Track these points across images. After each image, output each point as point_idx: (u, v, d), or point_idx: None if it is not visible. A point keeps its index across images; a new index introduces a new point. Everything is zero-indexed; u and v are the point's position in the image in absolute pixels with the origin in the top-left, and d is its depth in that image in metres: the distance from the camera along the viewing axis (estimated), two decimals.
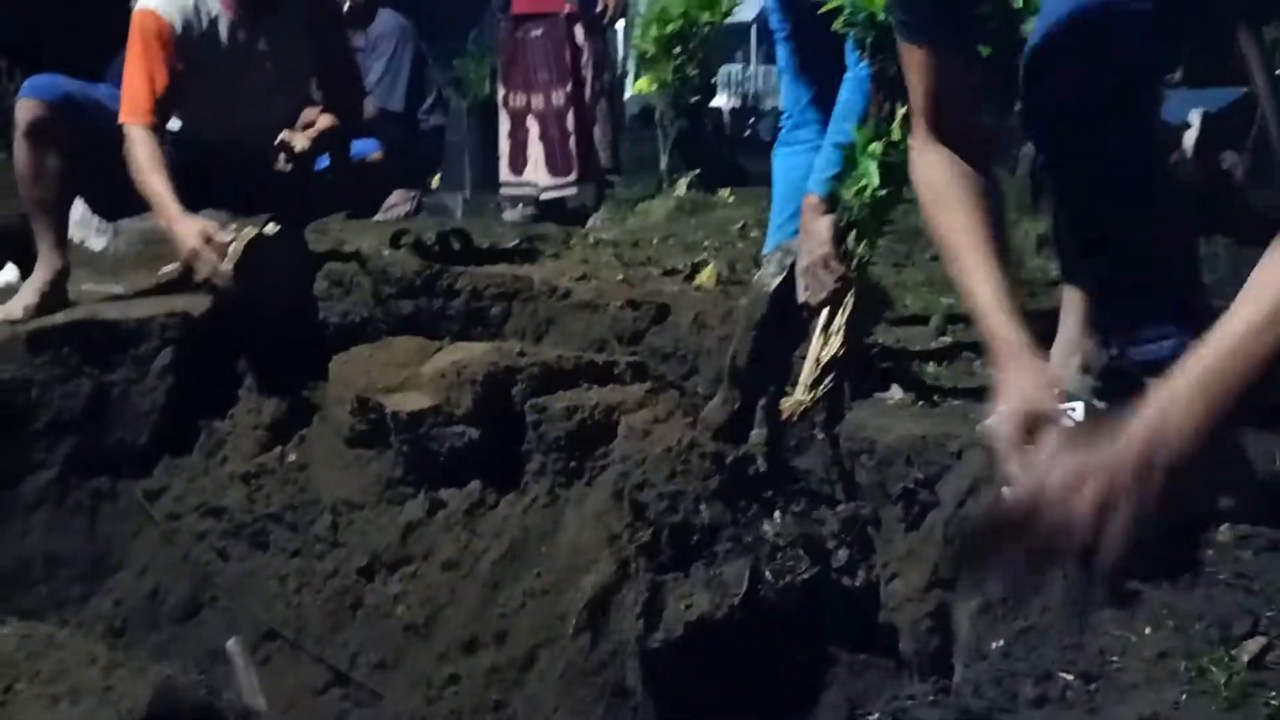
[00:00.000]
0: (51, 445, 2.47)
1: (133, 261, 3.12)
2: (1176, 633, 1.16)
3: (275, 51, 2.71)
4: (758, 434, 1.87)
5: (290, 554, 2.33)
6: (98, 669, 1.10)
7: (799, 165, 2.40)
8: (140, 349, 2.56)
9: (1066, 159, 1.49)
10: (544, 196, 4.24)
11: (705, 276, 3.03)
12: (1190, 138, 3.88)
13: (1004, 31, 1.75)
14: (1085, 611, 1.16)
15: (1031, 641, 1.14)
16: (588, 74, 4.21)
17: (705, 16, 3.83)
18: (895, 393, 1.88)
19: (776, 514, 1.79)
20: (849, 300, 2.01)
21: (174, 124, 2.71)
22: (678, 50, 3.86)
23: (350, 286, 2.77)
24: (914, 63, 1.39)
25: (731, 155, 4.39)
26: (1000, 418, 1.21)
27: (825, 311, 2.02)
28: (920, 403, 1.83)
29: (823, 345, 2.02)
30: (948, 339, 2.37)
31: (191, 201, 2.68)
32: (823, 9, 1.93)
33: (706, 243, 3.45)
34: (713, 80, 4.15)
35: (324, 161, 2.83)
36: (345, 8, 4.26)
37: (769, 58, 4.25)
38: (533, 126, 4.26)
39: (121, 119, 2.54)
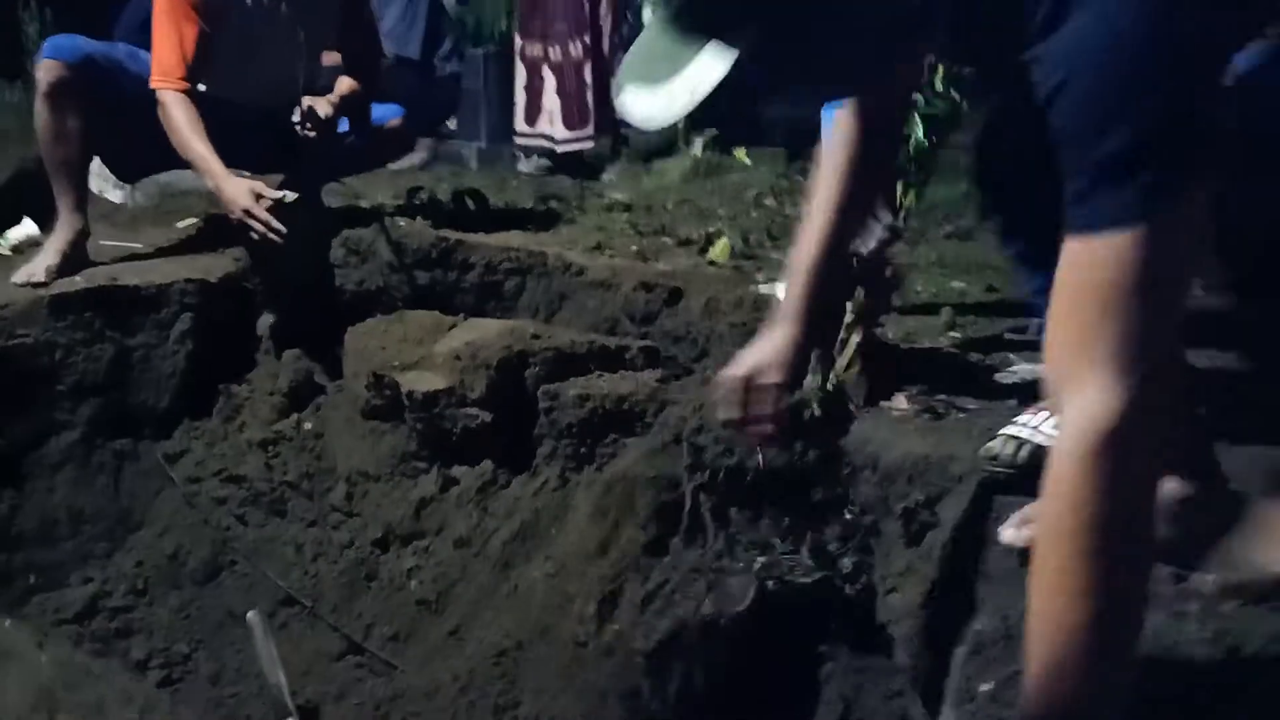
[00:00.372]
0: (75, 407, 2.53)
1: (151, 216, 3.15)
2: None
3: (299, 13, 2.70)
4: (812, 379, 1.91)
5: (307, 523, 2.41)
6: (134, 708, 1.16)
7: None
8: (161, 314, 2.61)
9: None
10: (560, 150, 4.23)
11: (718, 251, 3.04)
12: None
13: None
14: None
15: (1020, 686, 1.20)
16: (605, 25, 4.16)
17: None
18: (900, 403, 1.92)
19: (786, 519, 1.86)
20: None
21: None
22: None
23: (367, 255, 2.80)
24: None
25: (752, 108, 4.35)
26: (729, 370, 1.43)
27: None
28: (925, 415, 1.87)
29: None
30: (957, 334, 2.40)
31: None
32: None
33: (721, 211, 3.45)
34: None
35: (345, 124, 2.84)
36: None
37: None
38: (549, 78, 4.22)
39: (154, 84, 2.55)
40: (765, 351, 1.48)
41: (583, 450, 2.24)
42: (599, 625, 1.96)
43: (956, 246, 3.16)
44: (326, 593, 2.30)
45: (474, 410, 2.29)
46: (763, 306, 2.48)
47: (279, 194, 2.45)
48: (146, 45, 4.10)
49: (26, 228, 3.02)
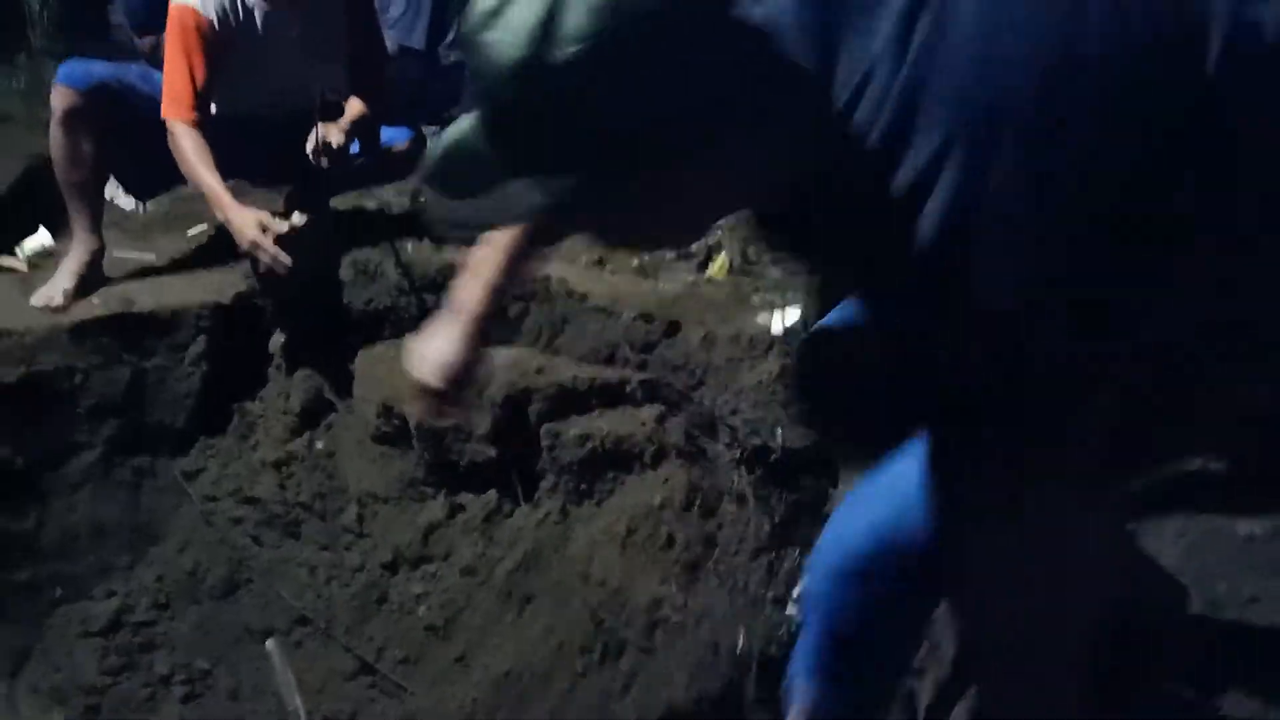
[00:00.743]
0: (95, 427, 2.63)
1: (162, 222, 3.21)
2: None
3: (308, 36, 2.74)
4: None
5: (320, 546, 2.52)
6: None
7: None
8: (176, 337, 2.70)
9: None
10: None
11: (716, 269, 3.12)
12: None
13: None
14: None
15: None
16: None
17: None
18: None
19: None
20: None
21: None
22: None
23: (375, 275, 2.87)
24: None
25: None
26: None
27: None
28: None
29: None
30: None
31: (224, 171, 2.78)
32: None
33: (721, 223, 3.51)
34: None
35: (355, 145, 2.89)
36: None
37: None
38: None
39: (165, 115, 2.60)
40: (432, 349, 1.37)
41: (583, 486, 2.35)
42: (602, 655, 2.10)
43: None
44: (339, 615, 2.42)
45: (479, 445, 2.39)
46: (758, 343, 2.58)
47: (284, 226, 2.51)
48: (151, 24, 4.17)
49: (41, 238, 3.08)
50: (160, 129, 2.65)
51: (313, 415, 2.73)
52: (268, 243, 2.50)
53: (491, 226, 1.13)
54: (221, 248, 3.02)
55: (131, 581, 2.61)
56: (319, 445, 2.69)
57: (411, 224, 2.98)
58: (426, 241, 2.94)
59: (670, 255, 3.26)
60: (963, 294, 0.95)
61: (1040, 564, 1.07)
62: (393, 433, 2.52)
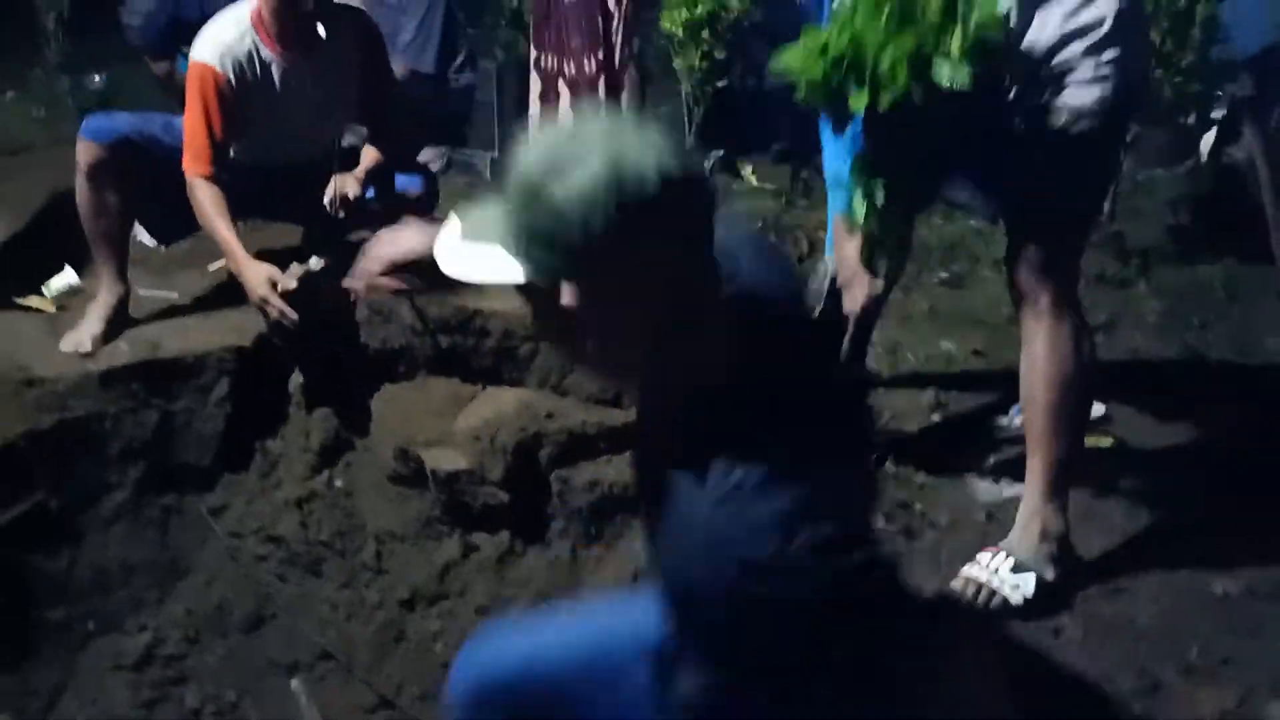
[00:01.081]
0: (124, 469, 2.75)
1: (183, 260, 3.31)
2: None
3: (323, 88, 2.82)
4: None
5: (340, 584, 2.63)
6: None
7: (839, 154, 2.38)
8: (201, 379, 2.80)
9: None
10: None
11: None
12: (1207, 141, 3.94)
13: None
14: None
15: None
16: (617, 40, 4.23)
17: (735, 1, 3.83)
18: (878, 522, 2.12)
19: None
20: None
21: None
22: (705, 34, 3.88)
23: (390, 316, 2.97)
24: None
25: (756, 124, 4.44)
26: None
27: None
28: (901, 535, 2.07)
29: None
30: (937, 417, 2.59)
31: (241, 211, 2.88)
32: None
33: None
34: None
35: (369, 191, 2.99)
36: None
37: None
38: (564, 91, 4.31)
39: (185, 168, 2.69)
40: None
41: (592, 529, 2.47)
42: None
43: (949, 294, 3.32)
44: (359, 651, 2.53)
45: (492, 489, 2.50)
46: None
47: (293, 283, 2.61)
48: (166, 50, 4.25)
49: (67, 277, 3.18)
50: (182, 178, 2.74)
51: (332, 453, 2.84)
52: (276, 298, 2.59)
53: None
54: (240, 286, 3.12)
55: (161, 616, 2.73)
56: (338, 483, 2.80)
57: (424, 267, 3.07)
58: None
59: None
60: None
61: None
62: (409, 475, 2.62)
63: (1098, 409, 2.34)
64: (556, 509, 2.48)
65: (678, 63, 3.97)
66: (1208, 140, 3.93)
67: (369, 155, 2.92)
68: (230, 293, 3.14)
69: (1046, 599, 1.85)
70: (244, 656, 2.66)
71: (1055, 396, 1.82)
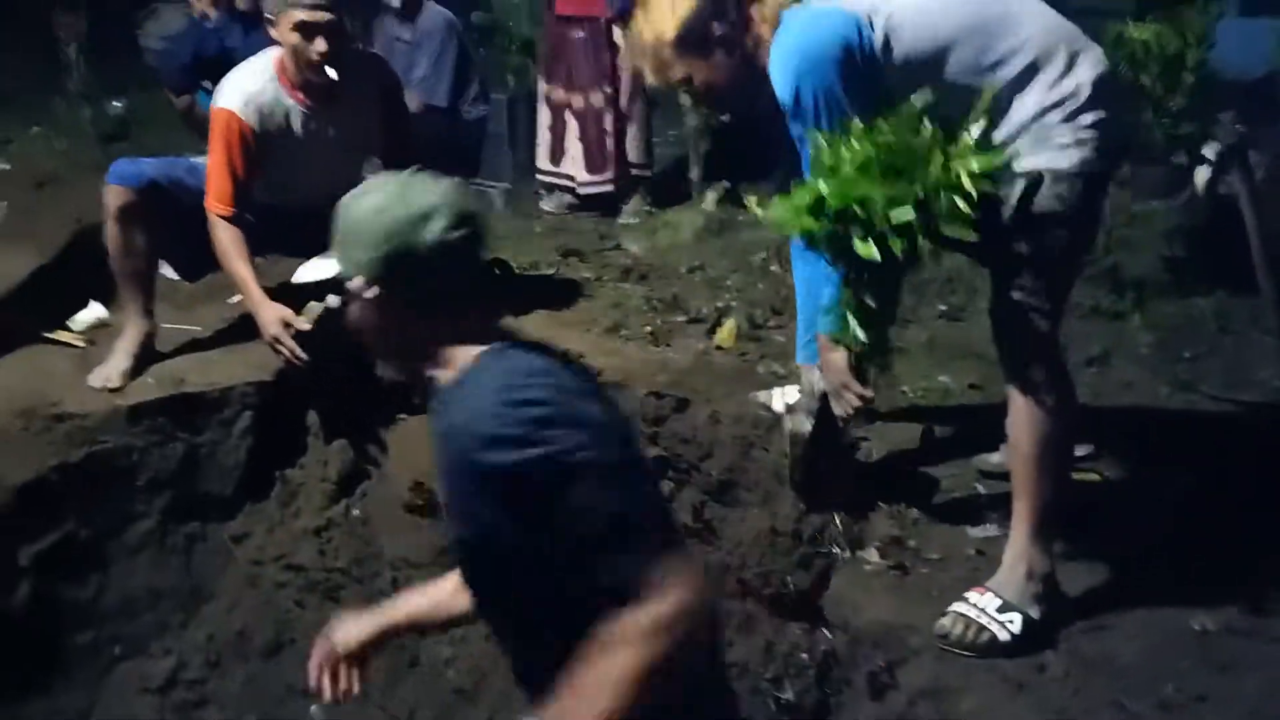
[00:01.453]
0: (150, 499, 2.86)
1: (205, 293, 3.42)
2: None
3: (343, 134, 2.94)
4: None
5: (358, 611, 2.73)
6: None
7: (817, 277, 2.57)
8: (224, 413, 2.91)
9: None
10: (581, 191, 4.47)
11: (724, 336, 3.31)
12: (1202, 175, 4.02)
13: None
14: None
15: None
16: (624, 74, 4.35)
17: None
18: (872, 555, 2.21)
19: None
20: None
21: None
22: None
23: None
24: None
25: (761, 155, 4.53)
26: None
27: None
28: (894, 571, 2.16)
29: None
30: (931, 453, 2.67)
31: (263, 248, 3.00)
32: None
33: (730, 280, 3.70)
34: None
35: None
36: (398, 3, 4.39)
37: None
38: (572, 123, 4.43)
39: (208, 207, 2.81)
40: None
41: None
42: None
43: (947, 328, 3.41)
44: (374, 676, 2.63)
45: None
46: (760, 423, 2.76)
47: (306, 325, 2.72)
48: (187, 86, 4.37)
49: (95, 311, 3.30)
50: (206, 219, 2.86)
51: (349, 483, 2.94)
52: (287, 338, 2.71)
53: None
54: None
55: (184, 640, 2.84)
56: (355, 512, 2.90)
57: None
58: None
59: (681, 319, 3.46)
60: None
61: None
62: (423, 505, 2.73)
63: (1085, 447, 2.42)
64: None
65: (683, 98, 4.07)
66: (1202, 174, 4.00)
67: None
68: (251, 326, 3.25)
69: (1031, 636, 1.94)
70: (264, 681, 2.76)
71: (1037, 446, 1.91)
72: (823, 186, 1.84)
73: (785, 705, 2.12)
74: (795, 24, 1.95)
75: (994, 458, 2.52)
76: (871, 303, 2.02)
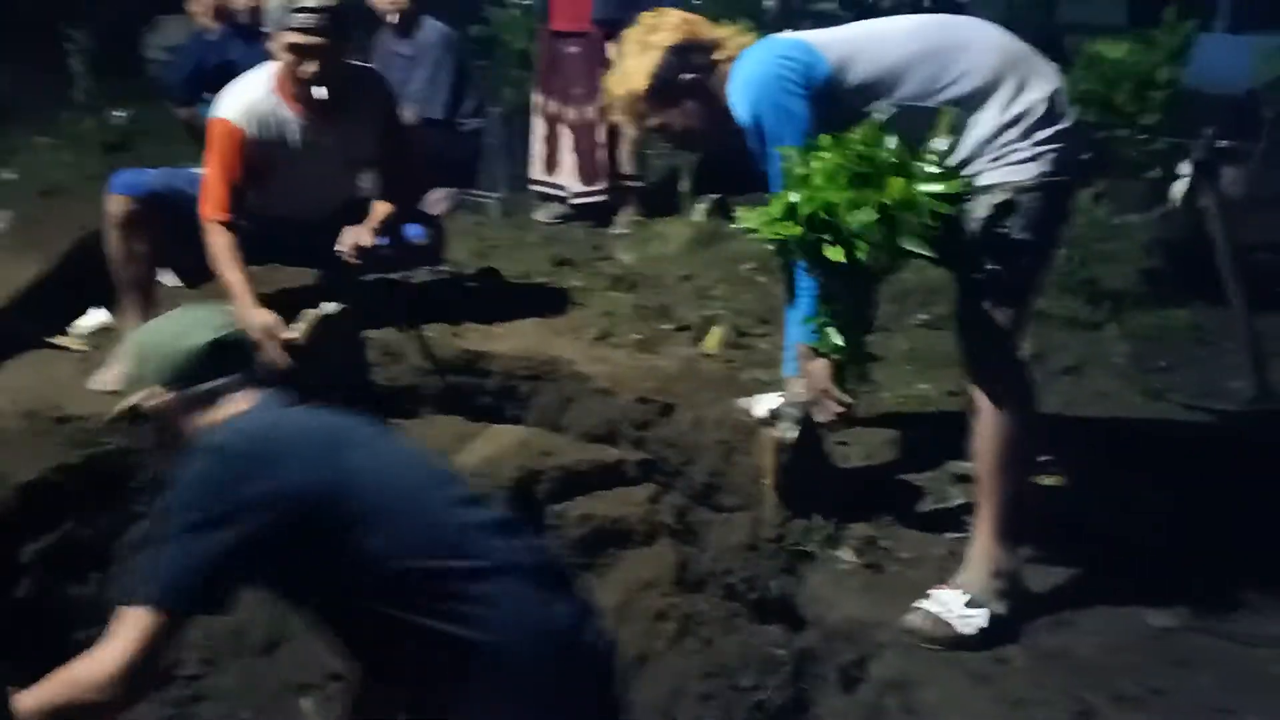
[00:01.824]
0: (152, 499, 2.93)
1: (205, 299, 3.50)
2: None
3: (340, 146, 3.02)
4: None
5: None
6: None
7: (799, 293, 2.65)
8: None
9: None
10: (574, 202, 4.57)
11: (712, 343, 3.39)
12: (1178, 188, 4.11)
13: None
14: None
15: None
16: None
17: None
18: (847, 554, 2.29)
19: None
20: None
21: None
22: None
23: (399, 356, 3.16)
24: None
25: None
26: None
27: None
28: (870, 569, 2.25)
29: None
30: (906, 458, 2.75)
31: (261, 257, 3.08)
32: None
33: (717, 290, 3.79)
34: None
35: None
36: (395, 18, 4.48)
37: None
38: (565, 135, 4.53)
39: (202, 212, 2.90)
40: None
41: (585, 560, 2.64)
42: None
43: (928, 336, 3.49)
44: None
45: None
46: (742, 429, 2.84)
47: (293, 334, 2.79)
48: (188, 98, 4.46)
49: (97, 317, 3.38)
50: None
51: None
52: (270, 344, 2.78)
53: None
54: None
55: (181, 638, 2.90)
56: None
57: (430, 310, 3.27)
58: (445, 325, 3.23)
59: (669, 326, 3.55)
60: None
61: None
62: None
63: (1045, 455, 2.50)
64: (552, 540, 2.65)
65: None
66: (1178, 188, 4.08)
67: (380, 209, 3.11)
68: None
69: (995, 631, 2.02)
70: (259, 677, 2.82)
71: (999, 447, 2.00)
72: (793, 196, 1.93)
73: (761, 704, 2.20)
74: (751, 54, 2.10)
75: (967, 463, 2.60)
76: (846, 311, 2.12)
